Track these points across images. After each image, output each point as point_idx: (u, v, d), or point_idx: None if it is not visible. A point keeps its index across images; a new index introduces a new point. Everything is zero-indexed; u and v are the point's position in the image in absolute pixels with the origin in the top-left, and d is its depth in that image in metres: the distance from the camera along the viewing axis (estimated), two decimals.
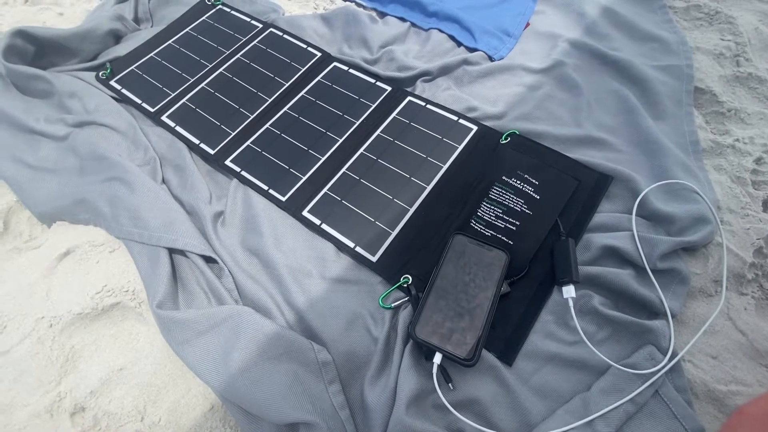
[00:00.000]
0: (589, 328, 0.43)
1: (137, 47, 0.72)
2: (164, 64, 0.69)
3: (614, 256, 0.46)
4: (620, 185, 0.52)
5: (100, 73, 0.68)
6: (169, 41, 0.72)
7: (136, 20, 0.76)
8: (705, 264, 0.46)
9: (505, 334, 0.44)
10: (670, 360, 0.40)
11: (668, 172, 0.51)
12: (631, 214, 0.48)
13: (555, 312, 0.44)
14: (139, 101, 0.65)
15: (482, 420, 0.39)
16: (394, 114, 0.61)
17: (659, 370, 0.40)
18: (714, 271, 0.46)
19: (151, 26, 0.77)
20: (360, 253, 0.50)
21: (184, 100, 0.65)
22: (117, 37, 0.75)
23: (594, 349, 0.41)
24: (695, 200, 0.49)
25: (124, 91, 0.67)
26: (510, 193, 0.51)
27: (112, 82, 0.68)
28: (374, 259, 0.49)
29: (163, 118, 0.63)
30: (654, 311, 0.44)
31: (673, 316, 0.43)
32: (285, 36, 0.71)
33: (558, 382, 0.41)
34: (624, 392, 0.39)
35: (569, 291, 0.43)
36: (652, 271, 0.45)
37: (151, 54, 0.71)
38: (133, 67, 0.69)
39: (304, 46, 0.70)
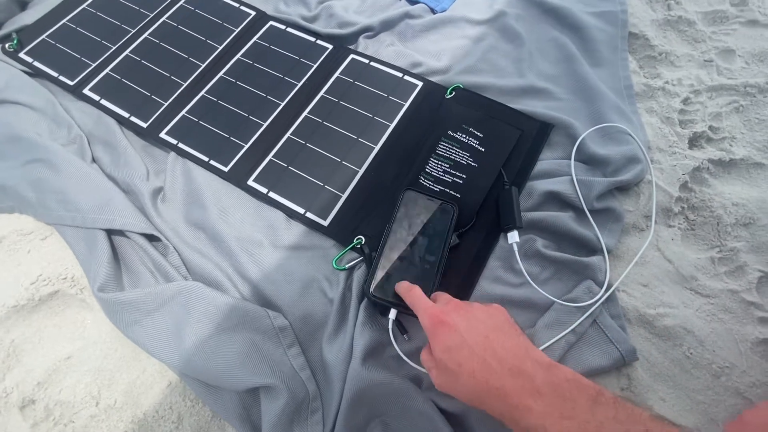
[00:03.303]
0: (533, 269, 0.45)
1: (47, 13, 0.65)
2: (80, 31, 0.63)
3: (555, 200, 0.48)
4: (560, 132, 0.53)
5: (7, 45, 0.61)
6: (83, 5, 0.65)
7: None
8: (637, 201, 0.49)
9: (456, 283, 0.45)
10: (605, 292, 0.43)
11: (604, 116, 0.53)
12: (570, 159, 0.50)
13: (501, 258, 0.46)
14: (55, 74, 0.59)
15: None
16: (337, 73, 0.59)
17: (596, 302, 0.43)
18: (645, 207, 0.49)
19: None
20: (311, 219, 0.49)
21: (107, 70, 0.60)
22: (22, 4, 0.67)
23: (538, 288, 0.43)
24: (628, 142, 0.51)
25: (36, 63, 0.60)
26: (456, 147, 0.52)
27: (22, 55, 0.61)
28: (326, 223, 0.49)
29: (86, 91, 0.58)
30: (592, 248, 0.46)
31: (608, 252, 0.46)
32: None
33: None
34: (566, 325, 0.42)
35: (513, 236, 0.45)
36: (589, 211, 0.47)
37: (64, 20, 0.64)
38: (44, 36, 0.62)
39: (237, 5, 0.65)
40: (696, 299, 0.45)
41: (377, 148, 0.53)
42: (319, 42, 0.61)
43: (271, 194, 0.50)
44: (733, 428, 0.31)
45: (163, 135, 0.54)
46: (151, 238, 0.48)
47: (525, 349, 0.32)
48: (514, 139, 0.52)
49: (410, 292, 0.38)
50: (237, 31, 0.62)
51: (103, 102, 0.57)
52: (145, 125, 0.55)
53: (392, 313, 0.41)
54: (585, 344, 0.42)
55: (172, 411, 0.42)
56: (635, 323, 0.44)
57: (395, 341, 0.41)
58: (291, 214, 0.50)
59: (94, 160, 0.53)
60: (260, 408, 0.40)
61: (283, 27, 0.63)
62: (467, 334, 0.33)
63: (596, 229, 0.46)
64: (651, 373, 0.42)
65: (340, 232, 0.48)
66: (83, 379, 0.43)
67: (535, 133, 0.53)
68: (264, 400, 0.39)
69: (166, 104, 0.57)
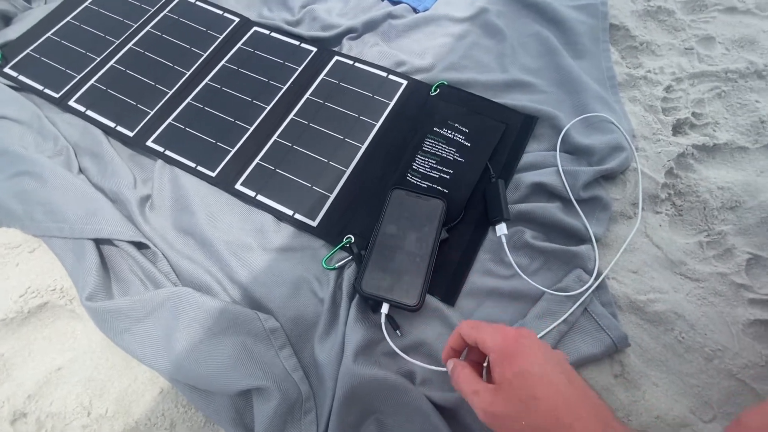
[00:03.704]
0: (522, 261, 0.45)
1: (31, 28, 0.65)
2: (64, 43, 0.63)
3: (542, 191, 0.49)
4: (545, 124, 0.53)
5: None
6: (67, 18, 0.65)
7: None
8: (623, 189, 0.50)
9: (447, 278, 0.45)
10: (595, 280, 0.43)
11: (588, 107, 0.53)
12: (556, 150, 0.51)
13: (491, 251, 0.46)
14: (40, 87, 0.59)
15: (430, 359, 0.41)
16: (322, 75, 0.59)
17: (586, 290, 0.43)
18: (631, 194, 0.49)
19: (45, 3, 0.69)
20: (300, 220, 0.49)
21: (92, 81, 0.60)
22: (5, 19, 0.67)
23: (528, 279, 0.43)
24: (612, 131, 0.51)
25: (21, 77, 0.60)
26: (442, 143, 0.52)
27: (7, 69, 0.61)
28: (314, 223, 0.49)
29: (71, 103, 0.58)
30: (581, 238, 0.46)
31: (597, 240, 0.46)
32: (198, 3, 0.66)
33: (497, 314, 0.43)
34: (557, 314, 0.42)
35: (502, 229, 0.45)
36: (576, 201, 0.47)
37: (48, 34, 0.64)
38: (28, 51, 0.63)
39: (220, 12, 0.65)
40: (686, 284, 0.45)
41: (364, 147, 0.53)
42: (303, 45, 0.62)
43: (259, 197, 0.50)
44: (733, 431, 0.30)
45: (149, 143, 0.54)
46: (140, 246, 0.48)
47: (605, 406, 0.29)
48: (499, 132, 0.52)
49: (470, 322, 0.34)
50: (221, 37, 0.63)
51: (89, 113, 0.57)
52: (131, 134, 0.55)
53: (384, 308, 0.41)
54: (577, 333, 0.42)
55: (165, 418, 0.41)
56: (626, 310, 0.44)
57: (388, 337, 0.40)
58: (280, 216, 0.49)
59: (80, 170, 0.53)
60: (253, 411, 0.40)
61: (267, 32, 0.63)
62: (548, 366, 0.28)
63: (584, 218, 0.47)
64: (644, 359, 0.42)
65: (329, 232, 0.48)
66: (74, 390, 0.43)
67: (519, 126, 0.53)
68: (256, 402, 0.39)
69: (152, 113, 0.57)
